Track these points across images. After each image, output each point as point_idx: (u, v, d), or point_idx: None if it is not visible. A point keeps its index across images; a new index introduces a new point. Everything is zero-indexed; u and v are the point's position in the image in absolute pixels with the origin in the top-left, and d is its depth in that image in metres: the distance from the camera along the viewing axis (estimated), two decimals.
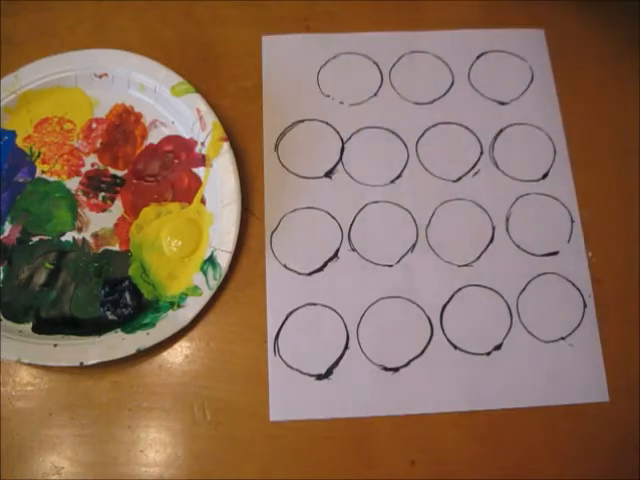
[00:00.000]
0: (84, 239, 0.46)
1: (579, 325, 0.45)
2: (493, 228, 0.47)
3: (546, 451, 0.41)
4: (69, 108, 0.50)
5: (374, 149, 0.49)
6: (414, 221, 0.47)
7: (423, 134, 0.50)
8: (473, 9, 0.54)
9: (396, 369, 0.43)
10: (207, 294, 0.44)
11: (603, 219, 0.48)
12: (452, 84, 0.52)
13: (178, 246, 0.46)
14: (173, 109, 0.49)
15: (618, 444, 0.42)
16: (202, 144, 0.48)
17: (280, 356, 0.43)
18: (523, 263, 0.46)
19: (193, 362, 0.44)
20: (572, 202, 0.48)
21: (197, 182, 0.48)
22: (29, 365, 0.43)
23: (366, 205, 0.48)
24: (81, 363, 0.42)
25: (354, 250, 0.46)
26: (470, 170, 0.49)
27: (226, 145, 0.47)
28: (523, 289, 0.46)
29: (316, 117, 0.50)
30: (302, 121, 0.50)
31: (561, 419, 0.42)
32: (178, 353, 0.44)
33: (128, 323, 0.43)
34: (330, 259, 0.46)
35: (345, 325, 0.44)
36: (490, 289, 0.46)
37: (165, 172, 0.48)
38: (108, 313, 0.44)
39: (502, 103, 0.51)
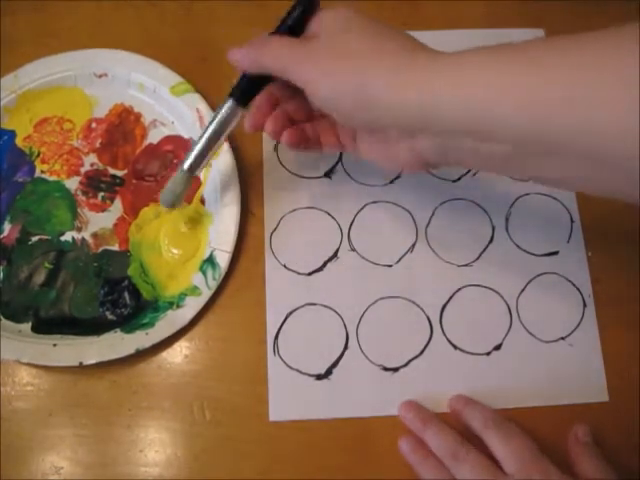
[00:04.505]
0: (83, 239, 0.46)
1: (579, 325, 0.45)
2: (493, 228, 0.47)
3: (545, 451, 0.41)
4: (69, 108, 0.50)
5: None
6: (414, 221, 0.47)
7: None
8: (473, 9, 0.54)
9: (396, 369, 0.43)
10: (206, 294, 0.44)
11: (603, 219, 0.48)
12: None
13: (178, 254, 0.46)
14: (173, 109, 0.49)
15: (618, 444, 0.42)
16: None
17: (280, 356, 0.43)
18: (523, 263, 0.46)
19: (193, 362, 0.44)
20: (572, 202, 0.48)
21: (197, 182, 0.48)
22: (28, 365, 0.43)
23: (366, 205, 0.48)
24: (80, 363, 0.42)
25: (354, 250, 0.46)
26: (470, 170, 0.49)
27: (226, 145, 0.47)
28: (523, 289, 0.45)
29: None
30: None
31: (561, 419, 0.42)
32: (177, 353, 0.44)
33: (127, 323, 0.43)
34: (330, 259, 0.46)
35: (345, 325, 0.44)
36: (490, 289, 0.45)
37: (165, 172, 0.48)
38: (107, 313, 0.44)
39: None
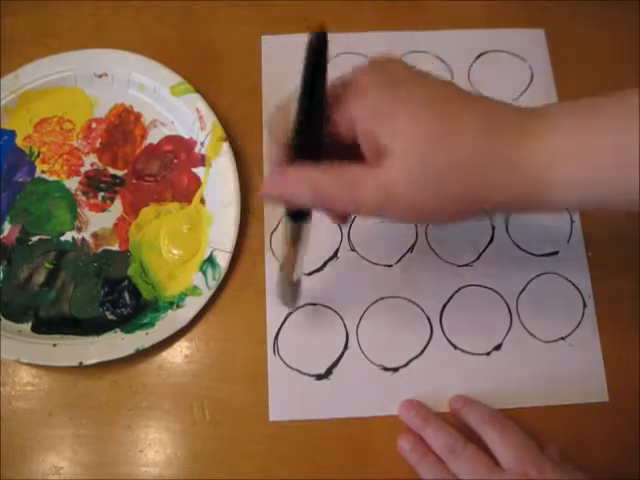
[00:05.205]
0: (83, 239, 0.46)
1: (579, 325, 0.45)
2: (493, 228, 0.47)
3: None
4: (69, 108, 0.50)
5: None
6: None
7: None
8: (473, 9, 0.54)
9: (396, 369, 0.43)
10: (206, 294, 0.44)
11: (603, 219, 0.48)
12: None
13: (178, 254, 0.46)
14: (173, 109, 0.49)
15: (618, 444, 0.42)
16: (202, 144, 0.48)
17: (280, 356, 0.43)
18: (523, 263, 0.46)
19: (193, 362, 0.44)
20: None
21: (197, 182, 0.48)
22: (28, 365, 0.43)
23: None
24: (80, 363, 0.42)
25: (354, 250, 0.46)
26: None
27: (226, 145, 0.47)
28: (523, 289, 0.45)
29: None
30: None
31: (561, 419, 0.42)
32: (177, 353, 0.44)
33: (127, 323, 0.43)
34: (330, 259, 0.46)
35: (345, 325, 0.44)
36: (490, 289, 0.45)
37: (164, 172, 0.48)
38: (107, 313, 0.44)
39: None
